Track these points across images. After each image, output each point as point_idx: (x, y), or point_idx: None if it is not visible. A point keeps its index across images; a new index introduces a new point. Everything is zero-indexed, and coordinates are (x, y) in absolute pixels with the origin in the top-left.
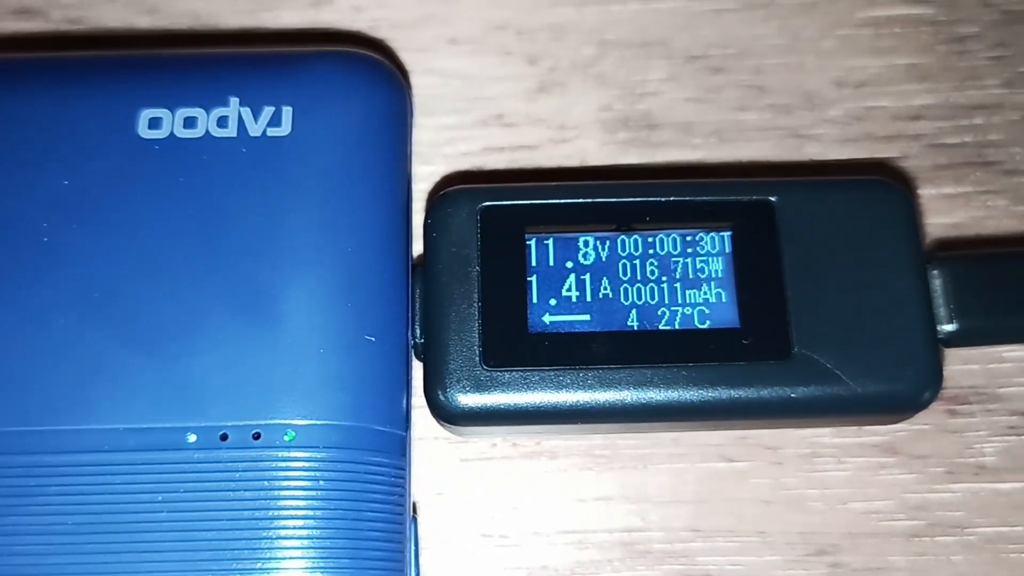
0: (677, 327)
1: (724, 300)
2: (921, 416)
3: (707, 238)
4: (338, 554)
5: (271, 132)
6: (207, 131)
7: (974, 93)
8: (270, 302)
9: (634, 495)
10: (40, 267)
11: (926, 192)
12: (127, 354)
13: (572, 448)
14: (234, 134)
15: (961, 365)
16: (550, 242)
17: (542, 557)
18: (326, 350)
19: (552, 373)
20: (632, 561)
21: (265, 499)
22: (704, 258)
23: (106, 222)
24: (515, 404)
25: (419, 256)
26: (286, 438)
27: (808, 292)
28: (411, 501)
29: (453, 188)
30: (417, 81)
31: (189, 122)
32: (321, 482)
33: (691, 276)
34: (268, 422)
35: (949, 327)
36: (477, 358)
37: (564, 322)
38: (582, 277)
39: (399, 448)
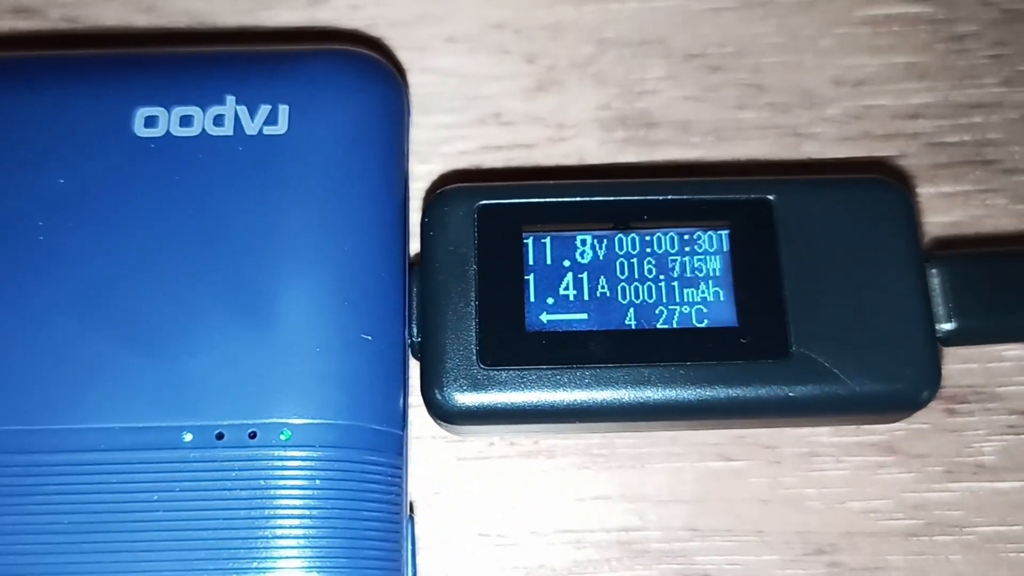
0: (675, 326)
1: (722, 299)
2: (920, 415)
3: (705, 237)
4: (335, 553)
5: (267, 131)
6: (203, 130)
7: (973, 92)
8: (266, 301)
9: (632, 494)
10: (35, 266)
11: (925, 191)
12: (123, 353)
13: (570, 447)
14: (230, 133)
15: (960, 364)
16: (547, 241)
17: (540, 556)
18: (322, 349)
19: (549, 372)
20: (630, 560)
21: (261, 498)
22: (702, 257)
23: (102, 221)
24: (512, 403)
25: (416, 255)
26: (282, 437)
27: (806, 291)
28: (408, 500)
29: (450, 187)
30: (414, 79)
31: (185, 120)
32: (317, 481)
33: (689, 275)
34: (264, 421)
35: (948, 326)
36: (474, 357)
37: (561, 321)
38: (580, 276)
39: (396, 447)
